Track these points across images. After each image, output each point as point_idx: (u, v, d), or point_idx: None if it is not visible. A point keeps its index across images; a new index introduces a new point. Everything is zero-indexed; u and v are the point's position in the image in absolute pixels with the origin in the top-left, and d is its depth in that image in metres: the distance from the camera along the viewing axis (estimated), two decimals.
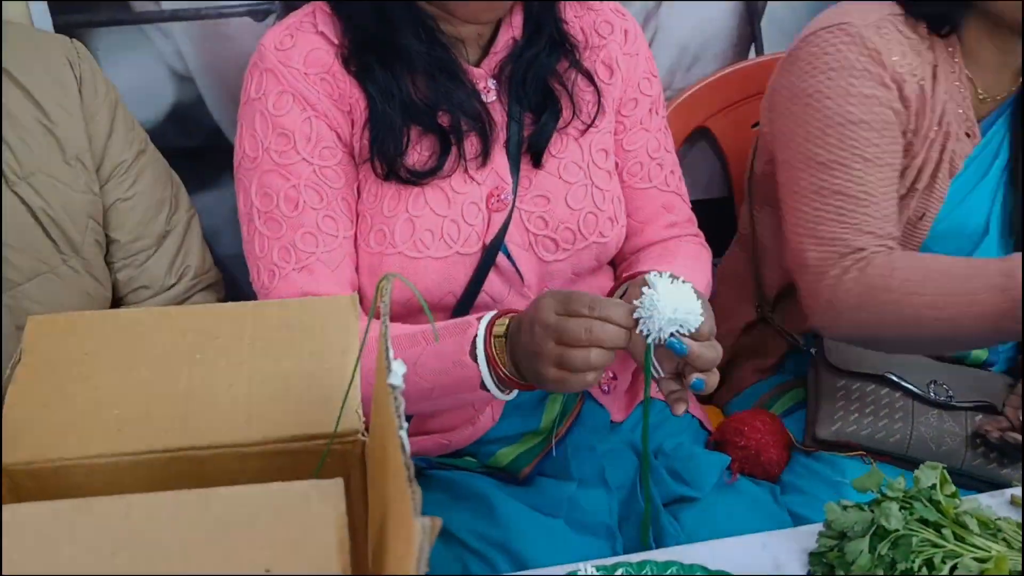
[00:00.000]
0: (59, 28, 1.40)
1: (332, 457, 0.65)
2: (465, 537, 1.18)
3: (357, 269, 1.20)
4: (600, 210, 1.26)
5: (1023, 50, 1.32)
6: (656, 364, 1.00)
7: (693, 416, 1.41)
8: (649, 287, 0.96)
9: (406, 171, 1.17)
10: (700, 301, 0.98)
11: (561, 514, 1.21)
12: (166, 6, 1.45)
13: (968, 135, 1.35)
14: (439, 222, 1.18)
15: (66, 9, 1.41)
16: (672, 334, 0.96)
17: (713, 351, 1.00)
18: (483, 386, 1.06)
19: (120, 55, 1.45)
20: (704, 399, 1.56)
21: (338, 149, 1.17)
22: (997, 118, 1.37)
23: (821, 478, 1.33)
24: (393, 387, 0.50)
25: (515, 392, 1.08)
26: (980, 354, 1.44)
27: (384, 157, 1.16)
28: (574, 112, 1.24)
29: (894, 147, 1.30)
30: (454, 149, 1.18)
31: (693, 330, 0.97)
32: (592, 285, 1.30)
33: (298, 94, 1.15)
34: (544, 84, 1.23)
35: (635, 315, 0.96)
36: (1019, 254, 1.19)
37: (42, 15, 1.39)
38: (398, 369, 0.53)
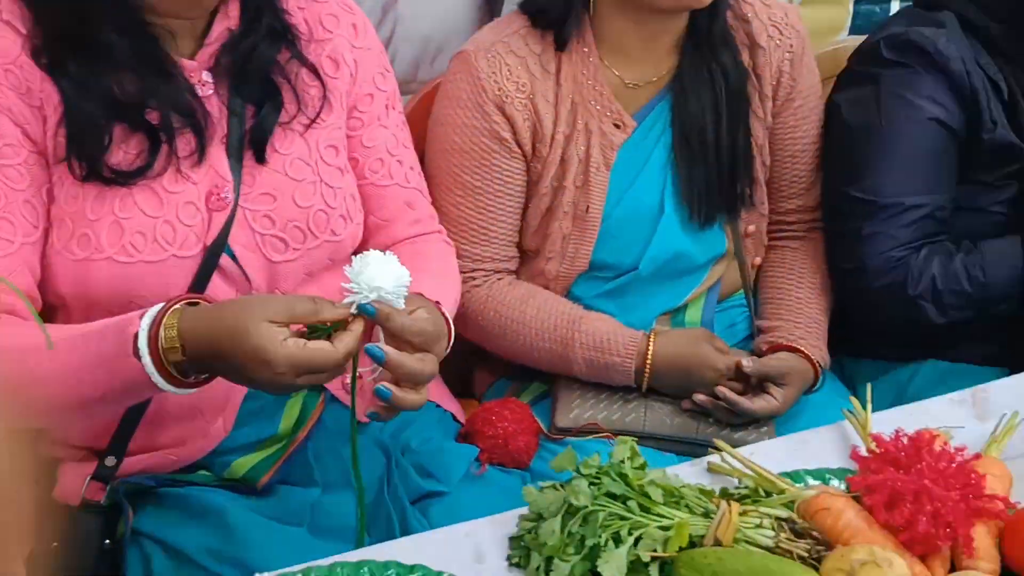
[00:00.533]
0: None
1: None
2: (199, 557, 1.13)
3: (52, 282, 1.12)
4: (331, 208, 1.22)
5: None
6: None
7: (445, 410, 1.40)
8: (358, 265, 0.98)
9: (110, 171, 1.10)
10: (405, 282, 1.00)
11: (304, 522, 1.18)
12: None
13: (617, 126, 1.41)
14: (151, 224, 1.12)
15: None
16: (373, 309, 0.98)
17: (417, 364, 1.01)
18: (155, 385, 0.99)
19: None
20: (461, 392, 1.55)
21: (23, 147, 1.09)
22: (657, 103, 1.44)
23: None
24: None
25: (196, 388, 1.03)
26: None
27: (83, 156, 1.09)
28: (299, 106, 1.20)
29: (500, 175, 1.41)
30: (164, 147, 1.12)
31: (397, 304, 0.99)
32: (328, 284, 1.25)
33: None
34: (265, 76, 1.18)
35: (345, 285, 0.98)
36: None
37: None
38: None
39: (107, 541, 1.16)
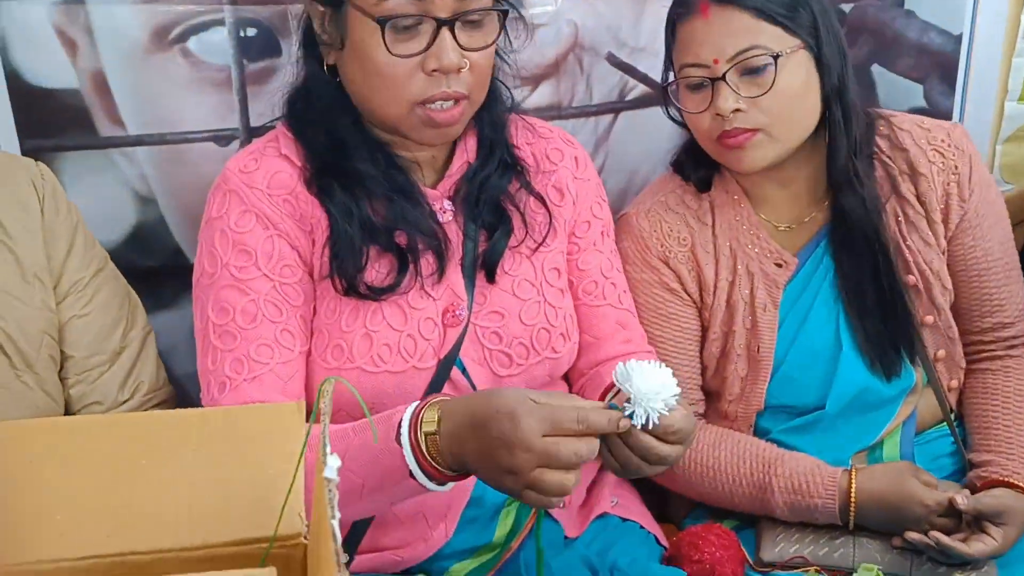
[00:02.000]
0: (26, 152, 1.44)
1: (274, 561, 0.65)
2: None
3: (310, 383, 1.21)
4: (552, 326, 1.29)
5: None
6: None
7: (648, 532, 1.41)
8: (628, 373, 0.98)
9: (365, 287, 1.20)
10: (676, 392, 1.00)
11: None
12: (132, 131, 1.49)
13: (779, 264, 1.45)
14: (396, 337, 1.21)
15: (34, 133, 1.45)
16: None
17: (666, 449, 1.02)
18: (411, 474, 1.02)
19: (85, 177, 1.49)
20: (660, 517, 1.55)
21: (298, 267, 1.20)
22: (819, 241, 1.45)
23: None
24: (328, 480, 0.51)
25: (450, 484, 1.05)
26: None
27: (344, 274, 1.19)
28: (526, 231, 1.29)
29: (676, 322, 1.45)
30: (411, 267, 1.21)
31: (675, 405, 1.00)
32: None
33: (261, 214, 1.19)
34: (497, 204, 1.28)
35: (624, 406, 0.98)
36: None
37: (10, 138, 1.43)
38: (333, 463, 0.54)
39: None
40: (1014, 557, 1.35)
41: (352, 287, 1.19)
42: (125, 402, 1.28)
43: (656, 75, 1.69)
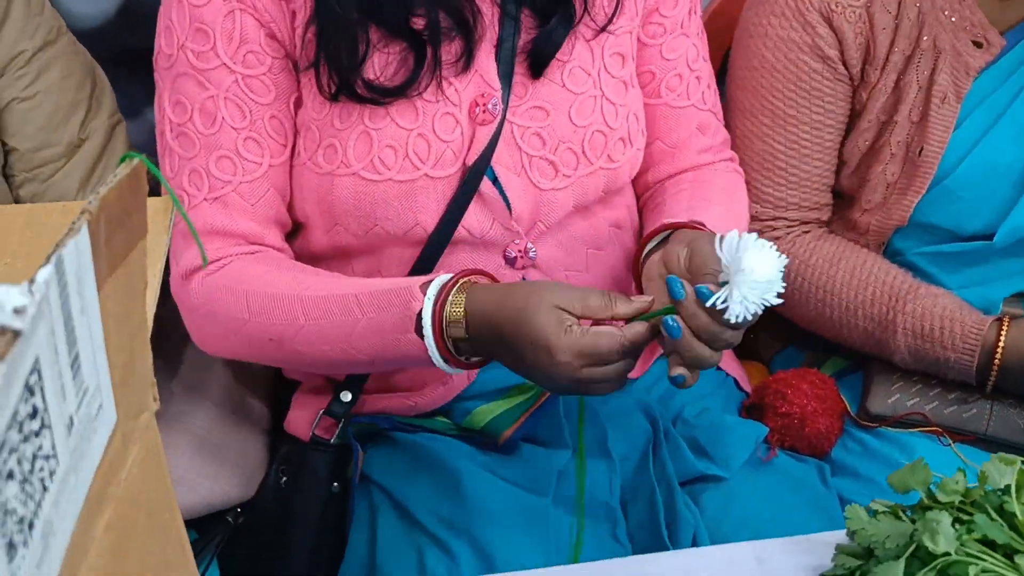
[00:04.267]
0: None
1: None
2: (427, 522, 1.02)
3: (299, 196, 1.03)
4: (611, 128, 1.05)
5: None
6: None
7: (727, 374, 1.21)
8: (737, 248, 0.83)
9: (365, 86, 0.97)
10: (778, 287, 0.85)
11: (549, 492, 1.04)
12: None
13: (978, 44, 1.15)
14: (404, 136, 0.99)
15: None
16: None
17: (707, 353, 0.88)
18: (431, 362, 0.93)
19: None
20: (746, 353, 1.34)
21: (266, 54, 0.98)
22: None
23: (881, 458, 1.15)
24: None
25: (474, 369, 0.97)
26: None
27: (336, 67, 0.97)
28: (586, 8, 1.02)
29: (820, 101, 1.19)
30: (429, 57, 0.98)
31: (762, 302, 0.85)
32: (600, 218, 1.10)
33: None
34: None
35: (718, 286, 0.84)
36: None
37: None
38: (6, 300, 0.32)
39: (335, 484, 1.08)
40: None
41: (345, 86, 0.97)
42: None
43: None
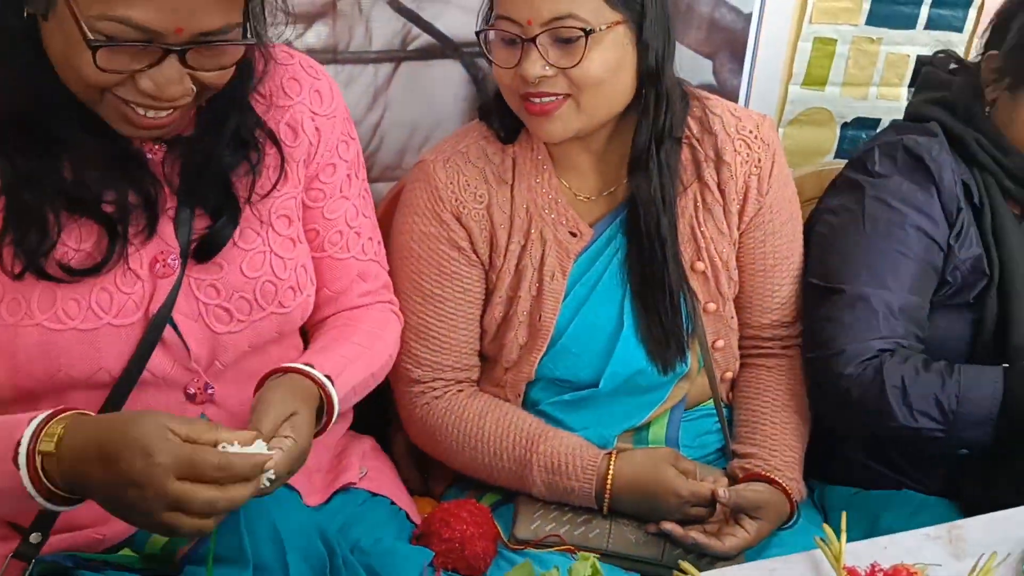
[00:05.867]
0: None
1: None
2: None
3: None
4: (280, 279, 1.17)
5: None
6: None
7: (400, 508, 1.34)
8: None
9: (56, 267, 1.02)
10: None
11: None
12: None
13: (573, 234, 1.39)
14: (87, 291, 1.05)
15: None
16: None
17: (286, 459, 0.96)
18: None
19: None
20: (421, 490, 1.50)
21: None
22: (616, 216, 1.41)
23: None
24: None
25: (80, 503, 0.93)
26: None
27: (21, 250, 1.01)
28: (253, 177, 1.15)
29: (459, 283, 1.38)
30: (119, 236, 1.05)
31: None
32: (273, 356, 1.21)
33: None
34: (224, 181, 1.13)
35: None
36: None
37: None
38: None
39: None
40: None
41: (33, 267, 1.01)
42: None
43: (442, 24, 1.60)
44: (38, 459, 0.89)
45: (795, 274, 1.48)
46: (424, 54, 1.62)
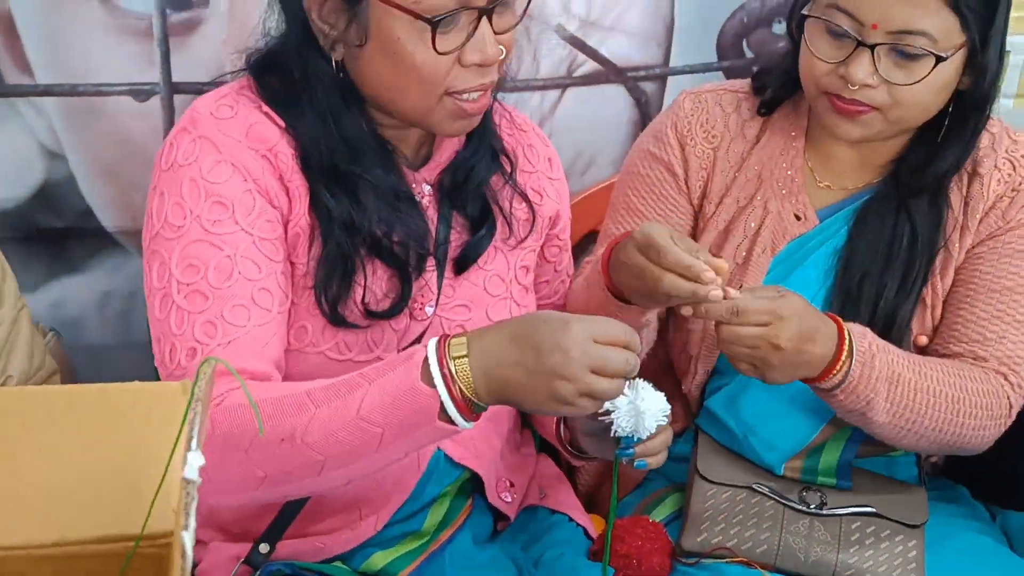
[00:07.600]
0: None
1: (142, 561, 0.58)
2: None
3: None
4: None
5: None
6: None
7: (577, 525, 1.36)
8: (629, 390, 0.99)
9: (361, 312, 1.11)
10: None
11: None
12: (41, 80, 1.39)
13: (798, 217, 1.34)
14: (363, 328, 1.13)
15: None
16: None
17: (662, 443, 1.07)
18: (442, 416, 0.95)
19: None
20: (588, 507, 1.49)
21: (279, 224, 1.08)
22: (840, 209, 1.35)
23: None
24: (187, 481, 0.44)
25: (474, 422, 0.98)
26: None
27: (329, 296, 1.09)
28: (510, 229, 1.23)
29: (665, 203, 1.37)
30: (412, 281, 1.14)
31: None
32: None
33: (240, 164, 1.07)
34: (483, 196, 1.21)
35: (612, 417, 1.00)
36: None
37: None
38: (194, 461, 0.47)
39: None
40: (939, 535, 1.31)
41: (336, 316, 1.10)
42: None
43: (607, 50, 1.64)
44: (452, 365, 0.94)
45: (1016, 316, 1.29)
46: (589, 80, 1.66)
